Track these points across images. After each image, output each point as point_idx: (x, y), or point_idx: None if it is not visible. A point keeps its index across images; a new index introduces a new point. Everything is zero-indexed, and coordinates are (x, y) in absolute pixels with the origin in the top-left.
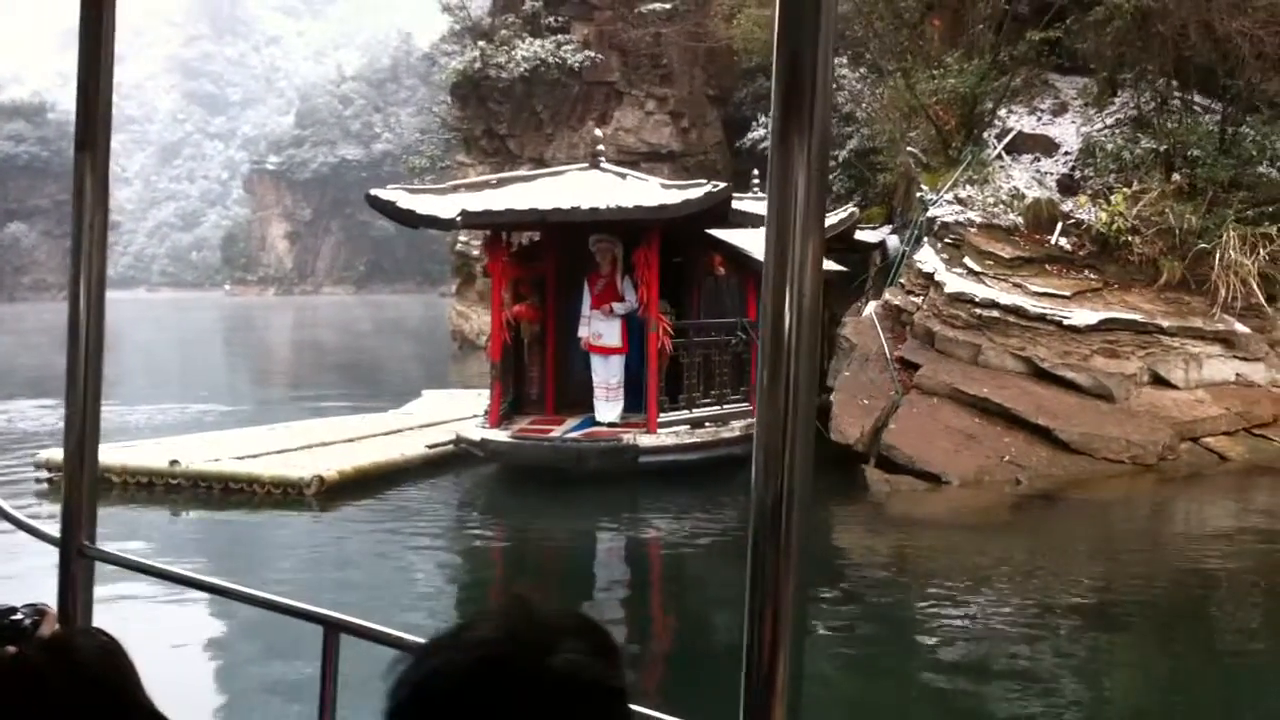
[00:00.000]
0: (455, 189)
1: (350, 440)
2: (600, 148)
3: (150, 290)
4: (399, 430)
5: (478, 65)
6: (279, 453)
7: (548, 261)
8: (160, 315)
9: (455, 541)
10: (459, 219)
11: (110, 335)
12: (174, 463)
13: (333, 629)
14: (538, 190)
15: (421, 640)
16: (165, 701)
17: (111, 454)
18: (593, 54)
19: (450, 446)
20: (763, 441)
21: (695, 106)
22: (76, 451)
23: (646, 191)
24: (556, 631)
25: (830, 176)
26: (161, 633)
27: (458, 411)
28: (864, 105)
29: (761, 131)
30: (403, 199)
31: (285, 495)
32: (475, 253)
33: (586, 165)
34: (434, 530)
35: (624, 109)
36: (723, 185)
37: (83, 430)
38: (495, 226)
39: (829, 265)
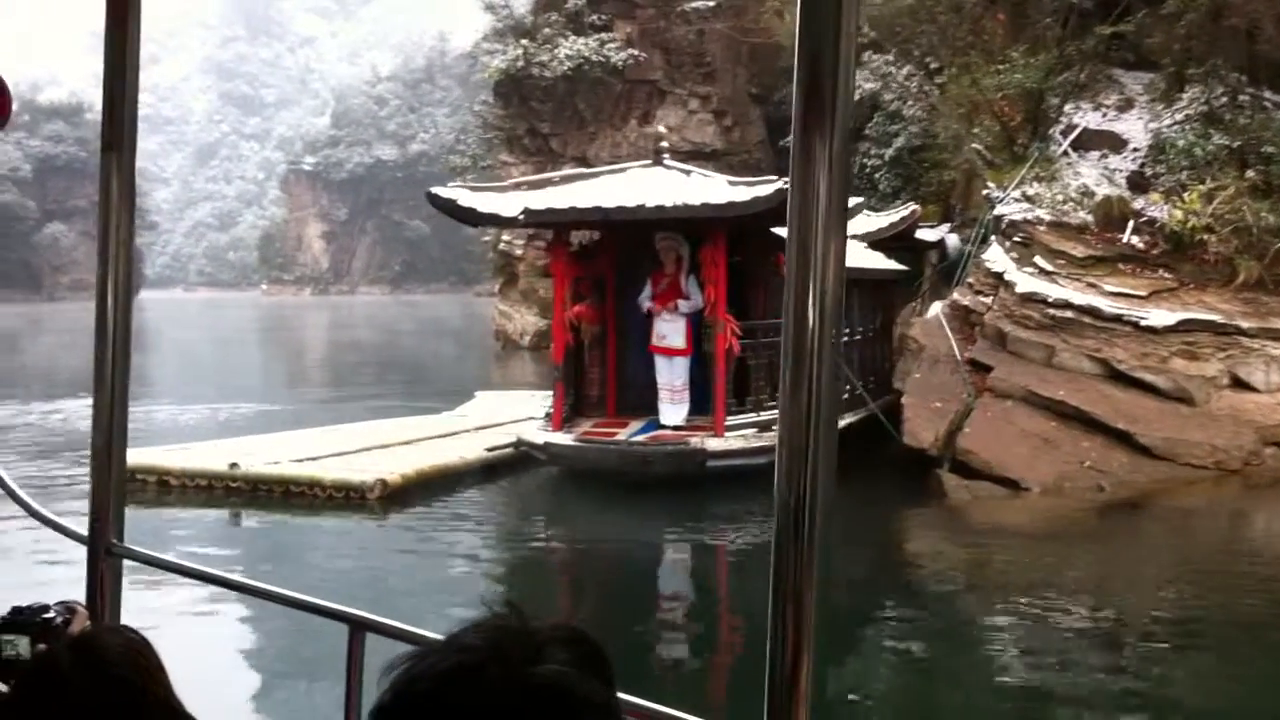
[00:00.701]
0: (516, 186)
1: (408, 442)
2: (664, 144)
3: (187, 290)
4: (455, 433)
5: (520, 64)
6: (338, 455)
7: (607, 261)
8: (201, 315)
9: (522, 550)
10: (521, 217)
11: (154, 335)
12: (234, 466)
13: (358, 628)
14: (601, 188)
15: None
16: (197, 699)
17: (170, 457)
18: (635, 52)
19: (510, 449)
20: (785, 441)
21: (738, 105)
22: (104, 450)
23: (713, 189)
24: (542, 642)
25: (877, 175)
26: (201, 632)
27: (513, 413)
28: (909, 103)
29: None
30: (464, 197)
31: (347, 499)
32: (518, 252)
33: (650, 162)
34: (499, 537)
35: (666, 107)
36: None
37: (110, 430)
38: (558, 225)
39: (889, 264)
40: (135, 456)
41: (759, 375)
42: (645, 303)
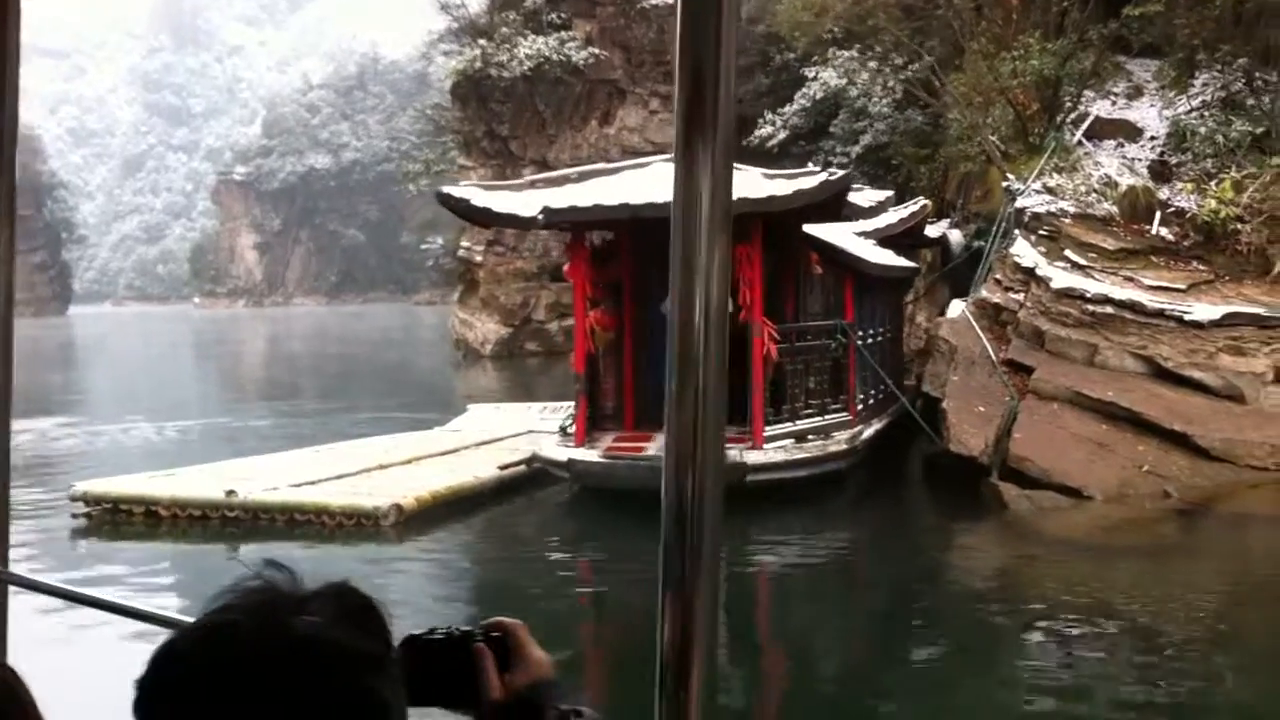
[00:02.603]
0: (532, 184)
1: (408, 462)
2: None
3: (116, 304)
4: (456, 449)
5: (478, 65)
6: (336, 478)
7: (623, 263)
8: (135, 329)
9: (557, 581)
10: (541, 217)
11: (90, 351)
12: (231, 493)
13: None
14: (624, 184)
15: None
16: None
17: (156, 485)
18: (596, 51)
19: (522, 467)
20: (673, 448)
21: None
22: None
23: (747, 182)
24: (303, 597)
25: (844, 173)
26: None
27: (510, 427)
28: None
29: (769, 129)
30: (477, 197)
31: (359, 526)
32: (479, 259)
33: (671, 156)
34: (533, 569)
35: (627, 107)
36: (840, 173)
37: None
38: (580, 224)
39: (901, 262)
40: (119, 486)
41: (795, 382)
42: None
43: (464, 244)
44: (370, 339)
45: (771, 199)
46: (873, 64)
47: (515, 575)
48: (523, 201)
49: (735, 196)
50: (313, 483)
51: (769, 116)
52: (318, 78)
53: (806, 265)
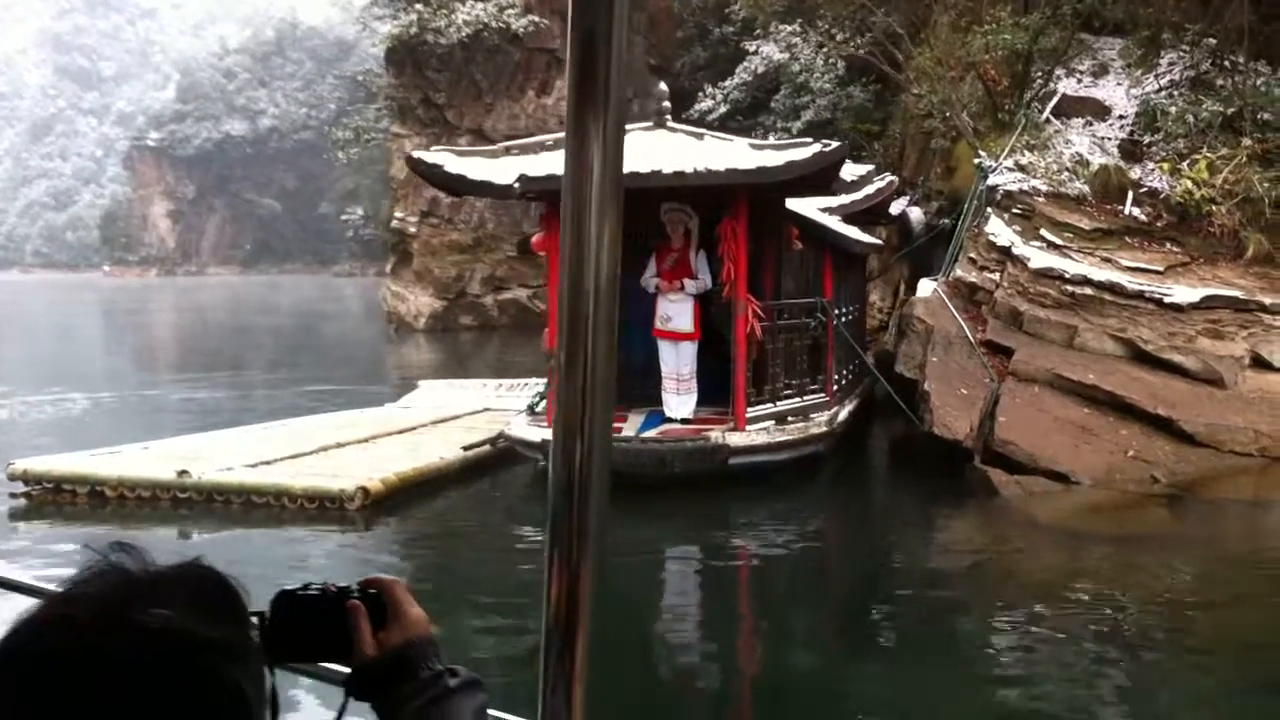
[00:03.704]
0: (507, 151)
1: (364, 441)
2: (666, 104)
3: (24, 272)
4: (413, 428)
5: (414, 30)
6: (292, 458)
7: None
8: (47, 297)
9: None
10: (517, 185)
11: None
12: (183, 473)
13: None
14: None
15: None
16: None
17: (100, 463)
18: (535, 19)
19: (486, 447)
20: (561, 420)
21: (637, 76)
22: None
23: (735, 153)
24: (152, 582)
25: (838, 144)
26: None
27: (465, 405)
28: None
29: (710, 103)
30: (451, 163)
31: (322, 510)
32: (412, 230)
33: (650, 124)
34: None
35: (565, 78)
36: (835, 145)
37: None
38: (558, 194)
39: (867, 238)
40: (61, 464)
41: (776, 362)
42: (651, 281)
43: (397, 215)
44: (295, 310)
45: (762, 170)
46: (815, 39)
47: (502, 563)
48: (499, 169)
49: (724, 167)
50: (268, 462)
51: (709, 90)
52: (234, 42)
53: (788, 241)
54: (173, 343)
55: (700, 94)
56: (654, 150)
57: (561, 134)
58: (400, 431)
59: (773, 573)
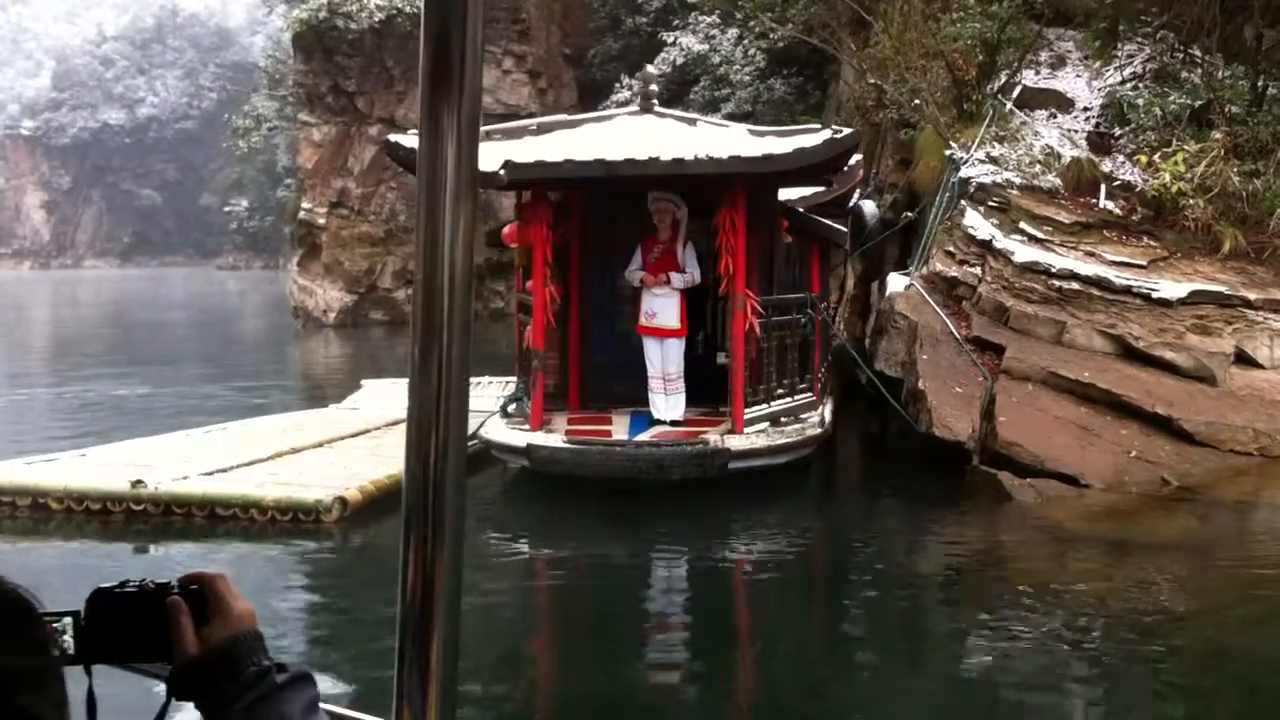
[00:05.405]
0: (489, 136)
1: (319, 445)
2: (653, 88)
3: None
4: (366, 431)
5: (324, 14)
6: (249, 464)
7: (571, 226)
8: None
9: (554, 595)
10: (503, 173)
11: None
12: (138, 483)
13: None
14: (587, 138)
15: None
16: None
17: (42, 472)
18: None
19: None
20: (415, 418)
21: (552, 66)
22: None
23: (735, 140)
24: None
25: (850, 130)
26: None
27: None
28: (738, 67)
29: (626, 94)
30: None
31: (295, 522)
32: (321, 222)
33: (637, 109)
34: (518, 568)
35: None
36: (847, 131)
37: None
38: (548, 182)
39: (837, 226)
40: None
41: (769, 360)
42: (636, 274)
43: (305, 205)
44: (187, 304)
45: (769, 158)
46: (733, 31)
47: (503, 580)
48: (482, 155)
49: (726, 155)
50: (225, 470)
51: (626, 81)
52: (112, 29)
53: (779, 233)
54: (69, 340)
55: (617, 85)
56: (642, 136)
57: (548, 118)
58: (355, 435)
59: (795, 585)
